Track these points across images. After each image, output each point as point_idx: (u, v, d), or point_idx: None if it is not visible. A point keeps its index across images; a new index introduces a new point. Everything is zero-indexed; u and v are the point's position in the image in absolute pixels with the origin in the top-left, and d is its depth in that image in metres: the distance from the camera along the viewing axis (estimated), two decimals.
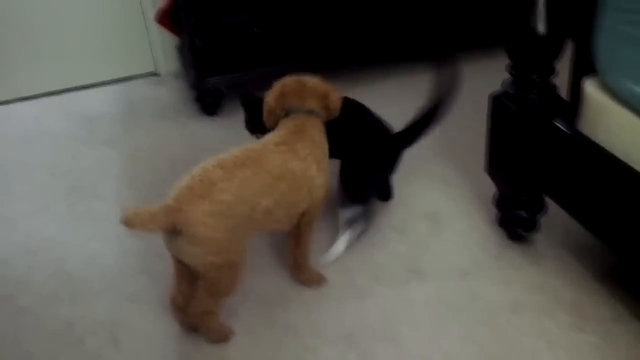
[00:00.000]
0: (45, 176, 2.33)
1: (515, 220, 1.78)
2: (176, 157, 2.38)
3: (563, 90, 1.63)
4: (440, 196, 2.05)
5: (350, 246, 1.83)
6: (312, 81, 1.69)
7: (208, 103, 2.63)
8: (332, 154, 1.72)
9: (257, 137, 1.87)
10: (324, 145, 1.66)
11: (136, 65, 3.05)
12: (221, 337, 1.57)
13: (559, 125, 1.55)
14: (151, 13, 2.92)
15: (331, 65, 2.64)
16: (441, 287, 1.68)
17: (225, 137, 2.48)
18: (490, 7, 2.75)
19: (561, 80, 1.61)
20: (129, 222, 1.33)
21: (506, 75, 1.61)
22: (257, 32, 2.54)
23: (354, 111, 1.87)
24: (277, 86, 1.70)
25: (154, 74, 3.07)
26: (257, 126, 1.87)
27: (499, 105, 1.65)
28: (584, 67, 1.57)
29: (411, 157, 2.17)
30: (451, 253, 1.80)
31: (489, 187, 1.83)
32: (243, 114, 1.95)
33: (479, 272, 1.73)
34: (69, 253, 1.92)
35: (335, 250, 1.81)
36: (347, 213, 1.84)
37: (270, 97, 1.70)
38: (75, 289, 1.77)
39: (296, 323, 1.61)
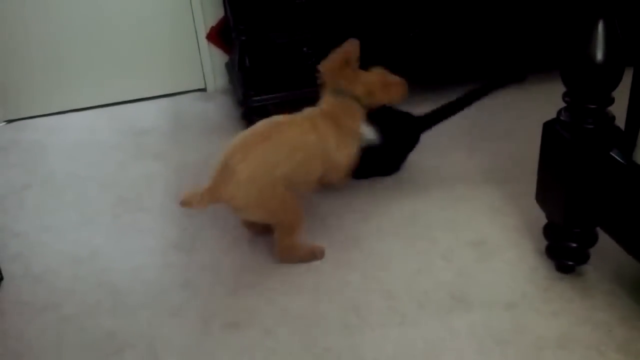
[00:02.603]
0: (93, 187, 2.37)
1: (565, 251, 1.73)
2: None
3: (620, 119, 1.58)
4: (488, 224, 2.00)
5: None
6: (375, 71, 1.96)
7: (254, 120, 2.63)
8: None
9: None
10: (352, 130, 1.89)
11: (186, 81, 3.10)
12: (313, 257, 1.85)
13: (615, 156, 1.50)
14: (203, 30, 2.97)
15: None
16: (486, 318, 1.64)
17: None
18: (547, 32, 2.71)
19: (618, 108, 1.57)
20: (185, 203, 1.69)
21: (561, 102, 1.58)
22: (306, 52, 2.55)
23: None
24: (337, 56, 1.90)
25: (202, 90, 3.11)
26: None
27: (552, 132, 1.61)
28: None
29: (460, 183, 2.14)
30: (498, 283, 1.76)
31: (539, 217, 1.79)
32: None
33: (526, 304, 1.68)
34: (113, 264, 1.94)
35: None
36: None
37: (334, 63, 1.90)
38: (117, 300, 1.79)
39: (336, 347, 1.58)
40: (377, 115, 2.01)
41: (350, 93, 1.88)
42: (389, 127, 2.10)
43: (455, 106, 2.23)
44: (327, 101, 1.91)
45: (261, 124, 1.82)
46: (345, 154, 1.88)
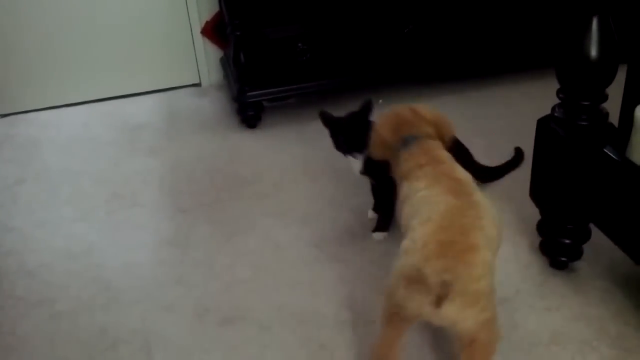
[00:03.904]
0: (87, 182, 2.36)
1: (559, 247, 1.73)
2: (216, 168, 2.39)
3: (613, 116, 1.59)
4: None
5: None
6: (422, 107, 1.61)
7: (249, 116, 2.65)
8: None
9: (354, 157, 1.86)
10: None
11: (180, 77, 3.09)
12: None
13: (608, 153, 1.51)
14: (198, 26, 2.96)
15: (373, 82, 2.64)
16: None
17: (265, 150, 2.49)
18: (541, 29, 2.71)
19: (611, 105, 1.57)
20: None
21: (555, 99, 1.58)
22: (301, 47, 2.55)
23: None
24: (390, 116, 1.62)
25: (197, 85, 3.10)
26: (352, 147, 1.84)
27: (546, 129, 1.61)
28: (637, 93, 1.53)
29: None
30: None
31: (533, 213, 1.79)
32: (328, 135, 1.89)
33: (519, 300, 1.68)
34: (107, 260, 1.94)
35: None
36: None
37: (383, 129, 1.60)
38: (111, 296, 1.79)
39: (330, 343, 1.58)
40: None
41: (424, 133, 1.59)
42: None
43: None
44: (416, 151, 1.55)
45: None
46: None
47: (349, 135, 1.83)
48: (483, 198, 1.40)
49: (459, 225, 1.28)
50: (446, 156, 1.52)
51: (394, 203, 1.56)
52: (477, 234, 1.28)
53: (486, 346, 1.29)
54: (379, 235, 1.93)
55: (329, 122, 1.87)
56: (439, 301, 1.18)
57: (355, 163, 1.87)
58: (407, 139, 1.55)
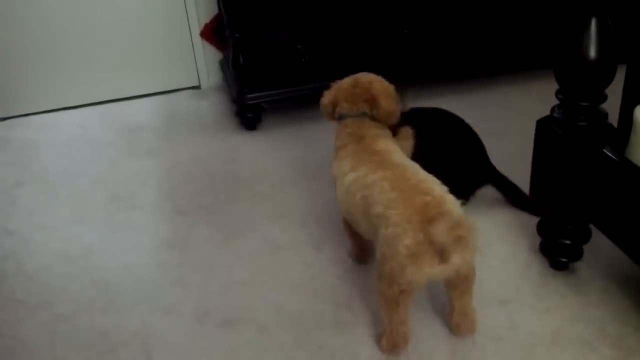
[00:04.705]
0: (86, 184, 2.36)
1: (558, 248, 1.73)
2: (215, 170, 2.39)
3: (612, 117, 1.59)
4: (482, 221, 1.99)
5: None
6: (365, 81, 1.69)
7: (248, 118, 2.64)
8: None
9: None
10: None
11: (180, 79, 3.09)
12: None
13: (608, 153, 1.51)
14: (197, 28, 2.96)
15: None
16: (480, 315, 1.63)
17: (264, 151, 2.49)
18: (539, 29, 2.71)
19: (610, 105, 1.57)
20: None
21: (554, 100, 1.58)
22: (300, 49, 2.55)
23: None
24: (338, 87, 1.72)
25: (196, 88, 3.10)
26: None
27: (545, 130, 1.61)
28: (636, 93, 1.53)
29: None
30: (491, 279, 1.76)
31: (533, 215, 1.79)
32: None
33: (519, 300, 1.68)
34: (106, 262, 1.93)
35: None
36: None
37: (327, 99, 1.72)
38: (110, 298, 1.78)
39: (330, 345, 1.58)
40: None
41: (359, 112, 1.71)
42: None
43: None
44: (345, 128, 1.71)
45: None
46: None
47: None
48: (402, 159, 1.56)
49: (416, 189, 1.41)
50: (372, 135, 1.62)
51: None
52: (433, 184, 1.44)
53: (473, 277, 1.46)
54: None
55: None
56: (446, 256, 1.28)
57: None
58: (340, 115, 1.69)
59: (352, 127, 1.65)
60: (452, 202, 1.40)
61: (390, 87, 1.71)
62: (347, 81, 1.71)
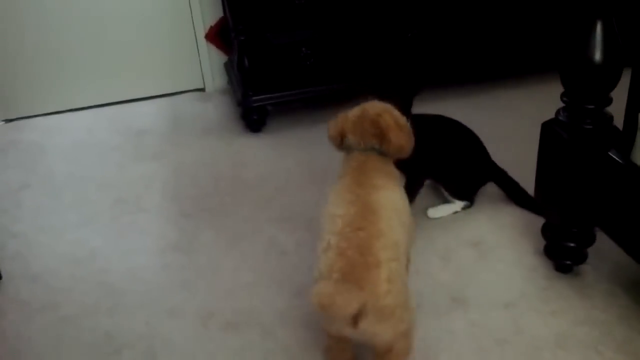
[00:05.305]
0: (92, 187, 2.37)
1: (563, 251, 1.73)
2: (220, 173, 2.39)
3: (618, 120, 1.58)
4: (486, 224, 2.00)
5: (453, 214, 2.02)
6: (373, 113, 1.50)
7: (253, 121, 2.65)
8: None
9: None
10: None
11: (185, 81, 3.10)
12: None
13: (613, 156, 1.50)
14: (202, 30, 2.97)
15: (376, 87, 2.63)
16: (485, 318, 1.64)
17: (269, 154, 2.49)
18: (545, 33, 2.71)
19: (615, 108, 1.57)
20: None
21: (559, 102, 1.58)
22: (305, 52, 2.55)
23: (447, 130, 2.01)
24: (346, 117, 1.55)
25: (201, 90, 3.11)
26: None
27: (551, 133, 1.61)
28: None
29: None
30: (496, 283, 1.76)
31: (538, 217, 1.79)
32: None
33: (524, 304, 1.68)
34: (112, 264, 1.94)
35: (441, 210, 2.03)
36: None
37: (333, 129, 1.55)
38: (116, 301, 1.79)
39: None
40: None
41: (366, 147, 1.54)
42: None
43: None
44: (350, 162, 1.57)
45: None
46: None
47: None
48: (383, 192, 1.43)
49: (356, 244, 1.30)
50: (369, 168, 1.48)
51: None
52: (376, 246, 1.30)
53: (400, 355, 1.38)
54: None
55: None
56: (355, 321, 1.24)
57: None
58: (346, 146, 1.54)
59: (356, 161, 1.51)
60: (383, 272, 1.28)
61: (401, 119, 1.53)
62: (354, 112, 1.54)
